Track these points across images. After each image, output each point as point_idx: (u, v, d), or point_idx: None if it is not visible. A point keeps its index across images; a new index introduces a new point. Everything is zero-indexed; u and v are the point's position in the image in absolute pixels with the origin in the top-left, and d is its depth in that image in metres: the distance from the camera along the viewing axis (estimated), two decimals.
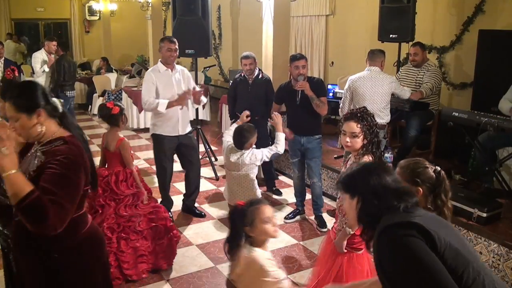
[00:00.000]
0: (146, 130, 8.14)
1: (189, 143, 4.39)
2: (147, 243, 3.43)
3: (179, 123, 4.25)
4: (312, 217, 4.46)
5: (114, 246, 3.31)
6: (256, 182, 3.52)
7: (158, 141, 4.30)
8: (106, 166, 3.60)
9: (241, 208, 2.09)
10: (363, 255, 2.59)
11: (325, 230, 4.20)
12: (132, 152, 3.70)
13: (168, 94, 4.16)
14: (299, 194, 4.53)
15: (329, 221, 4.30)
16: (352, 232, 2.44)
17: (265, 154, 3.41)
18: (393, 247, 1.46)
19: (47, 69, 7.06)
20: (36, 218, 1.68)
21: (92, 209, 3.35)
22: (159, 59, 4.29)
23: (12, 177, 1.68)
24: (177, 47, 4.20)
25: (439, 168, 1.95)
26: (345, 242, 2.51)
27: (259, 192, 3.58)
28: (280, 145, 3.47)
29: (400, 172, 1.96)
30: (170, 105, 4.09)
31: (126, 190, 3.45)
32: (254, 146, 3.43)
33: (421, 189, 1.91)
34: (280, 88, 4.38)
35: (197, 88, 4.41)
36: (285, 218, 4.46)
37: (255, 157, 3.37)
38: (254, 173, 3.49)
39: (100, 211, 3.38)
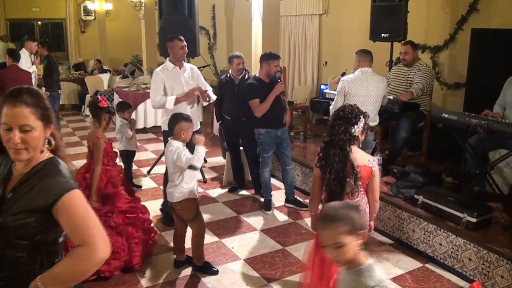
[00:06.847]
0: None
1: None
2: (121, 240, 3.38)
3: None
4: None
5: None
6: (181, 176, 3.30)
7: (167, 138, 4.28)
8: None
9: None
10: None
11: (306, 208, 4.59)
12: (111, 153, 3.66)
13: (177, 92, 4.16)
14: (270, 186, 4.77)
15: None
16: (312, 213, 2.78)
17: (183, 157, 3.20)
18: None
19: (34, 68, 6.85)
20: None
21: None
22: (167, 58, 4.29)
23: None
24: (185, 43, 4.20)
25: None
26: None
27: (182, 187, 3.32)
28: (198, 158, 3.23)
29: None
30: (177, 101, 4.09)
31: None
32: (183, 144, 3.30)
33: None
34: (254, 85, 4.51)
35: (208, 87, 4.43)
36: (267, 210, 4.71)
37: (176, 153, 3.21)
38: (179, 167, 3.28)
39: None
